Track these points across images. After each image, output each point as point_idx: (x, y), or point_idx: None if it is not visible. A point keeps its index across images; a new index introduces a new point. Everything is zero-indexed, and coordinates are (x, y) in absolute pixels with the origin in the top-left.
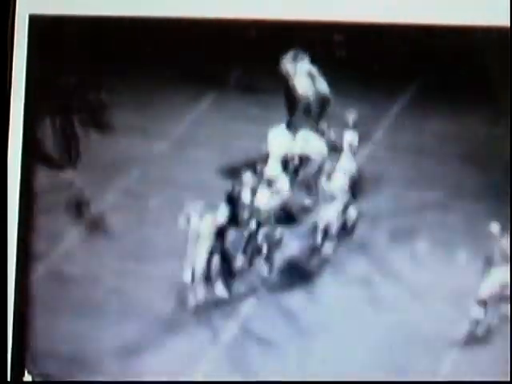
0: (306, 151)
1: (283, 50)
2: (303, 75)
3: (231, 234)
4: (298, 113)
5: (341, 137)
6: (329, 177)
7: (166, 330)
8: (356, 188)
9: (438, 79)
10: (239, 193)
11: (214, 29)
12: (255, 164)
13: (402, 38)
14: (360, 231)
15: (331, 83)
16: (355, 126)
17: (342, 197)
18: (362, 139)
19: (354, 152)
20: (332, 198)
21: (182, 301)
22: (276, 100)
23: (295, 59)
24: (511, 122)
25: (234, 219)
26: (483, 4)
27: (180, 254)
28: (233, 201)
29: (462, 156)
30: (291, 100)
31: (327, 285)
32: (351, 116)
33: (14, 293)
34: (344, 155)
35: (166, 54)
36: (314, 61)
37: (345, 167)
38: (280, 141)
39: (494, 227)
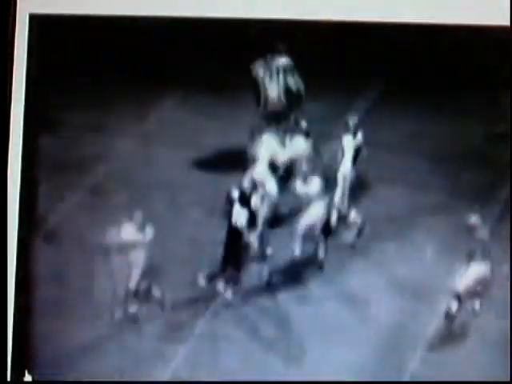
0: (294, 155)
1: (250, 49)
2: (274, 78)
3: None
4: (267, 115)
5: (340, 141)
6: (305, 180)
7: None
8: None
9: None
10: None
11: (181, 27)
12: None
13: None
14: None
15: (305, 80)
16: (355, 131)
17: (319, 199)
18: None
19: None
20: (308, 201)
21: None
22: (242, 97)
23: (267, 63)
24: (511, 122)
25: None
26: (483, 3)
27: None
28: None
29: (430, 153)
30: (262, 102)
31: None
32: (351, 121)
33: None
34: (345, 159)
35: (131, 52)
36: (287, 58)
37: (344, 172)
38: (268, 145)
39: (474, 219)
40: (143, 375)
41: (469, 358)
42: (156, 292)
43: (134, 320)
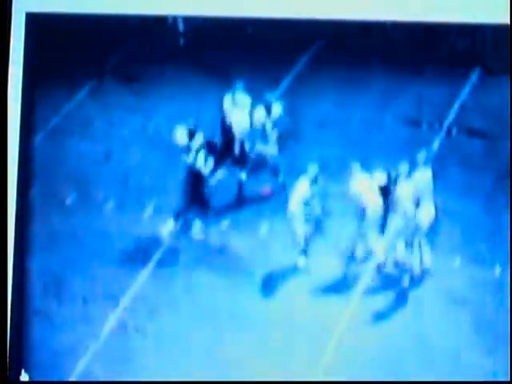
0: None
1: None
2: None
3: None
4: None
5: None
6: None
7: None
8: None
9: None
10: None
11: (94, 19)
12: None
13: None
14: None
15: None
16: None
17: None
18: None
19: None
20: None
21: None
22: (153, 89)
23: (235, 97)
24: (511, 122)
25: None
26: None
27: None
28: None
29: None
30: (227, 135)
31: None
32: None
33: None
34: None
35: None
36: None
37: None
38: None
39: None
40: None
41: None
42: None
43: None
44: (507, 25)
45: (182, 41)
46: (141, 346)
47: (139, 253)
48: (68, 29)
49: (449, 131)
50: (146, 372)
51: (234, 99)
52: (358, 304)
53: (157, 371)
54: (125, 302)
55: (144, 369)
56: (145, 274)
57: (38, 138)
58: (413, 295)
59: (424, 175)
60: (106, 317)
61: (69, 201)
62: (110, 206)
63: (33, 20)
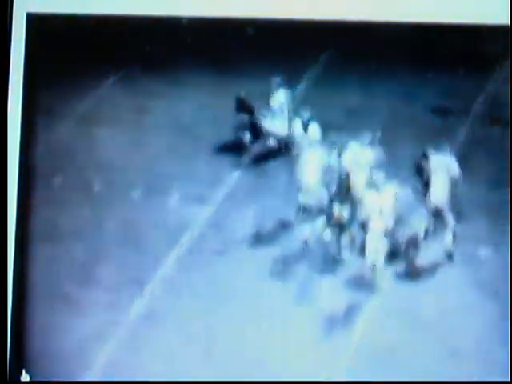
0: None
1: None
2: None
3: None
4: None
5: None
6: None
7: None
8: None
9: None
10: None
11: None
12: None
13: None
14: None
15: None
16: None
17: None
18: None
19: None
20: None
21: None
22: (184, 76)
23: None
24: (511, 121)
25: None
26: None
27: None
28: None
29: None
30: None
31: None
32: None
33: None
34: None
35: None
36: None
37: None
38: None
39: None
40: None
41: None
42: None
43: None
44: (507, 25)
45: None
46: (165, 332)
47: (166, 239)
48: (68, 29)
49: (476, 121)
50: (171, 357)
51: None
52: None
53: (182, 356)
54: (150, 288)
55: (169, 354)
56: (171, 260)
57: (63, 127)
58: None
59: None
60: (132, 303)
61: (96, 188)
62: (137, 192)
63: (33, 20)
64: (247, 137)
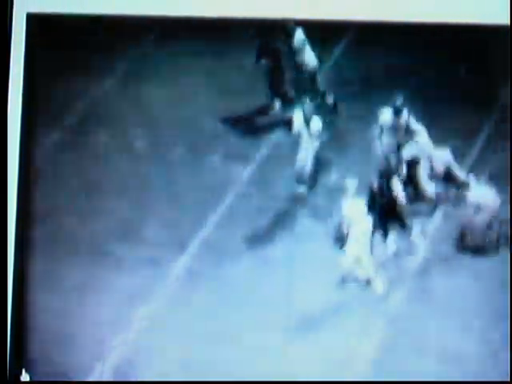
0: None
1: None
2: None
3: None
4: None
5: None
6: None
7: None
8: None
9: None
10: None
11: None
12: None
13: None
14: None
15: None
16: None
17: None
18: None
19: None
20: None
21: None
22: (223, 36)
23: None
24: (511, 120)
25: None
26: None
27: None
28: None
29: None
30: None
31: None
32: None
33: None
34: None
35: None
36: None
37: None
38: None
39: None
40: None
41: None
42: None
43: None
44: (507, 25)
45: None
46: (206, 293)
47: (208, 198)
48: (68, 29)
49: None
50: (212, 317)
51: None
52: None
53: (222, 317)
54: (192, 247)
55: (209, 315)
56: (213, 220)
57: (107, 86)
58: None
59: None
60: (174, 261)
61: (138, 146)
62: (179, 150)
63: (33, 20)
64: (276, 104)
